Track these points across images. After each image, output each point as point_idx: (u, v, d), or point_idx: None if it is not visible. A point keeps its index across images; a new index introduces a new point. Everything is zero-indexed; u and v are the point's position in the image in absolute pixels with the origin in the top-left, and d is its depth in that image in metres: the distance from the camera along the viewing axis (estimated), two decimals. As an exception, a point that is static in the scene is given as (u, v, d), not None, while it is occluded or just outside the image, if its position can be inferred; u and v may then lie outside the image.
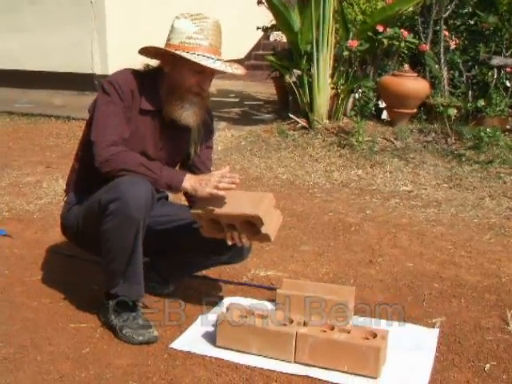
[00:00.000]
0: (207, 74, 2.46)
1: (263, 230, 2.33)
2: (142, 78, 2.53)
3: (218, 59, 2.42)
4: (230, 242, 2.40)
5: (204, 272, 2.98)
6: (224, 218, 2.34)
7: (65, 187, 2.78)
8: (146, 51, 2.52)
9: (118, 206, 2.28)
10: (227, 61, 2.48)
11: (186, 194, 2.73)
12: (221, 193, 2.32)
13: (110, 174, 2.36)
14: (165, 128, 2.56)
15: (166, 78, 2.51)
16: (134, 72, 2.54)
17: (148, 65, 2.59)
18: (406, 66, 6.22)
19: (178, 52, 2.39)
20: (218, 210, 2.34)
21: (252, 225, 2.33)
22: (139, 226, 2.31)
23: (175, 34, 2.44)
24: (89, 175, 2.51)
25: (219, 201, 2.36)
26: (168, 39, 2.47)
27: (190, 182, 2.37)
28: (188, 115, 2.48)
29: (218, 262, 2.79)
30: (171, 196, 2.96)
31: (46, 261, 3.19)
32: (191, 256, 2.73)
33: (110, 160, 2.36)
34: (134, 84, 2.49)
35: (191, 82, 2.45)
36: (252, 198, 2.41)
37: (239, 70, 2.52)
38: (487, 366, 2.30)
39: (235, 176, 2.36)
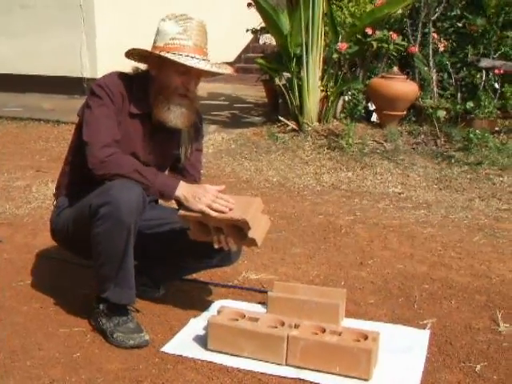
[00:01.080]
0: (193, 74, 2.45)
1: (250, 234, 2.33)
2: (131, 81, 2.52)
3: (203, 59, 2.41)
4: (216, 246, 2.39)
5: (195, 275, 2.97)
6: (211, 221, 2.34)
7: (54, 191, 2.77)
8: (131, 54, 2.51)
9: (109, 210, 2.27)
10: (216, 63, 2.48)
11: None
12: (213, 213, 2.31)
13: (103, 177, 2.34)
14: (154, 131, 2.55)
15: (153, 81, 2.50)
16: (123, 75, 2.53)
17: (137, 68, 2.58)
18: (395, 69, 6.25)
19: (161, 53, 2.39)
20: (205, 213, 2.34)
21: (239, 229, 2.33)
22: (130, 230, 2.30)
23: (160, 35, 2.44)
24: (79, 179, 2.50)
25: None
26: (154, 42, 2.47)
27: (182, 191, 2.36)
28: (175, 117, 2.47)
29: (209, 266, 2.78)
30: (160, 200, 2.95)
31: (36, 265, 3.17)
32: (181, 259, 2.72)
33: (104, 162, 2.34)
34: (123, 87, 2.48)
35: (177, 83, 2.44)
36: (240, 202, 2.39)
37: (225, 69, 2.51)
38: (478, 366, 2.31)
39: (230, 201, 2.34)
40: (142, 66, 2.57)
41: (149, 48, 2.48)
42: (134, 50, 2.49)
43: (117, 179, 2.31)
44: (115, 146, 2.40)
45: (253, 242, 2.36)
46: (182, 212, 2.38)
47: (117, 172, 2.33)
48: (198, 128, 2.70)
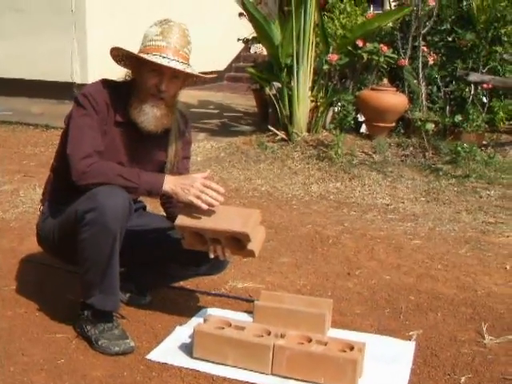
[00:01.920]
0: (166, 75, 2.42)
1: (249, 246, 2.33)
2: (117, 89, 2.51)
3: (178, 60, 2.38)
4: (212, 256, 2.39)
5: (181, 283, 2.96)
6: (210, 232, 2.33)
7: (41, 197, 2.76)
8: (116, 56, 2.51)
9: (95, 216, 2.26)
10: (206, 72, 2.47)
11: (164, 205, 2.72)
12: (203, 206, 2.31)
13: (88, 187, 2.33)
14: (140, 139, 2.53)
15: (136, 86, 2.50)
16: (109, 83, 2.52)
17: (126, 75, 2.57)
18: (385, 81, 6.29)
19: (131, 51, 2.39)
20: (204, 224, 2.32)
21: (237, 240, 2.33)
22: (116, 237, 2.29)
23: (143, 40, 2.46)
24: (64, 185, 2.47)
25: (205, 214, 2.34)
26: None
27: (170, 184, 2.35)
28: (148, 119, 2.45)
29: (196, 274, 2.78)
30: (149, 206, 2.95)
31: (22, 270, 3.15)
32: (168, 267, 2.72)
33: (86, 172, 2.33)
34: (108, 96, 2.46)
35: (150, 83, 2.43)
36: (239, 213, 2.38)
37: (194, 71, 2.45)
38: (463, 378, 2.32)
39: (219, 189, 2.35)
40: (129, 72, 2.57)
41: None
42: (115, 49, 2.47)
43: (103, 186, 2.30)
44: (97, 156, 2.38)
45: (251, 254, 2.37)
46: (179, 222, 2.36)
47: (100, 180, 2.32)
48: (185, 135, 2.69)
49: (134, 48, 2.49)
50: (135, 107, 2.45)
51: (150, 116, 2.45)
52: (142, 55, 2.38)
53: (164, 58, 2.37)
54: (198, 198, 2.31)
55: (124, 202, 2.28)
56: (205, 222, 2.33)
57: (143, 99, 2.45)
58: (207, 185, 2.34)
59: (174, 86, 2.47)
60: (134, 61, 2.46)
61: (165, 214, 2.77)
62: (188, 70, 2.42)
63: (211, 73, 2.55)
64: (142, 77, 2.44)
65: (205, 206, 2.31)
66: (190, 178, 2.39)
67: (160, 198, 2.66)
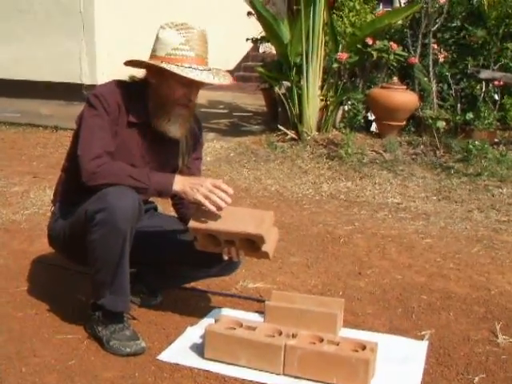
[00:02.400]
0: (194, 86, 2.44)
1: (264, 248, 2.32)
2: (129, 89, 2.50)
3: (204, 69, 2.39)
4: (226, 257, 2.39)
5: (192, 283, 2.95)
6: (224, 234, 2.32)
7: (52, 197, 2.76)
8: (131, 63, 2.50)
9: (105, 217, 2.26)
10: (216, 69, 2.46)
11: (176, 206, 2.71)
12: (210, 207, 2.30)
13: (98, 187, 2.32)
14: (153, 141, 2.53)
15: (152, 89, 2.48)
16: (121, 84, 2.51)
17: (134, 76, 2.56)
18: (395, 79, 6.26)
19: (163, 65, 2.36)
20: (218, 226, 2.31)
21: (251, 242, 2.32)
22: (126, 237, 2.29)
23: (160, 45, 2.41)
24: (75, 186, 2.47)
25: (218, 215, 2.33)
26: (153, 50, 2.44)
27: (179, 184, 2.34)
28: (175, 128, 2.46)
29: (207, 275, 2.77)
30: (160, 207, 2.94)
31: (32, 271, 3.16)
32: (180, 268, 2.71)
33: (95, 173, 2.32)
34: (120, 96, 2.46)
35: (178, 94, 2.42)
36: (253, 215, 2.37)
37: (226, 80, 2.47)
38: (476, 378, 2.29)
39: (228, 190, 2.34)
40: (139, 72, 2.55)
41: (148, 55, 2.46)
42: (135, 60, 2.47)
43: (113, 186, 2.30)
44: (108, 156, 2.38)
45: (265, 255, 2.36)
46: (192, 224, 2.34)
47: (110, 181, 2.31)
48: (197, 136, 2.69)
49: (144, 50, 2.47)
50: (163, 118, 2.44)
51: (177, 125, 2.46)
52: (174, 70, 2.34)
53: (195, 69, 2.35)
54: (207, 197, 2.30)
55: (134, 203, 2.28)
56: (218, 224, 2.32)
57: (170, 109, 2.44)
58: (217, 185, 2.33)
59: (198, 92, 2.50)
60: (156, 69, 2.43)
61: (176, 215, 2.76)
62: (222, 82, 2.43)
63: (221, 70, 2.53)
64: (169, 86, 2.42)
65: (212, 208, 2.30)
66: (201, 179, 2.40)
67: (171, 199, 2.66)
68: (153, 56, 2.43)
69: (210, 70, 2.41)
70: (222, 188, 2.33)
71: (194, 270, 2.69)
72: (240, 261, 2.56)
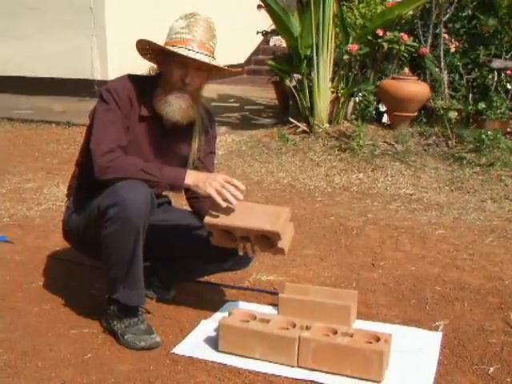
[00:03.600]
0: (190, 67, 2.42)
1: (279, 244, 2.32)
2: (142, 83, 2.51)
3: (203, 53, 2.38)
4: (241, 253, 2.39)
5: (206, 277, 2.96)
6: (240, 230, 2.32)
7: (66, 192, 2.78)
8: (140, 49, 2.51)
9: (117, 211, 2.27)
10: (228, 66, 2.47)
11: (190, 199, 2.71)
12: (221, 202, 2.30)
13: (110, 181, 2.33)
14: (165, 134, 2.54)
15: (161, 79, 2.51)
16: (134, 78, 2.52)
17: (150, 70, 2.58)
18: (406, 70, 6.22)
19: (156, 43, 2.39)
20: (234, 223, 2.31)
21: (267, 238, 2.32)
22: (139, 231, 2.30)
23: (169, 33, 2.46)
24: (89, 181, 2.49)
25: (235, 212, 2.33)
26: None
27: (191, 178, 2.35)
28: (173, 110, 2.45)
29: (221, 269, 2.78)
30: (174, 201, 2.95)
31: (47, 266, 3.18)
32: (193, 262, 2.72)
33: (108, 168, 2.34)
34: (132, 91, 2.47)
35: (176, 76, 2.43)
36: (269, 211, 2.37)
37: (220, 64, 2.46)
38: (491, 369, 2.29)
39: (240, 186, 2.33)
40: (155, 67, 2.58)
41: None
42: (140, 41, 2.47)
43: (125, 181, 2.31)
44: (119, 150, 2.39)
45: (281, 251, 2.37)
46: (207, 220, 2.35)
47: (122, 175, 2.32)
48: (210, 130, 2.69)
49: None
50: (160, 99, 2.45)
51: (174, 107, 2.45)
52: (167, 47, 2.38)
53: (189, 50, 2.37)
54: (219, 193, 2.30)
55: (146, 197, 2.29)
56: (234, 220, 2.32)
57: (167, 91, 2.45)
58: (229, 180, 2.34)
59: (198, 78, 2.47)
60: (160, 54, 2.46)
61: (190, 209, 2.77)
62: (213, 63, 2.42)
63: (232, 67, 2.53)
64: (168, 69, 2.45)
65: (222, 203, 2.30)
66: (214, 174, 2.41)
67: (185, 193, 2.67)
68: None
69: (210, 55, 2.41)
70: (234, 184, 2.33)
71: (207, 264, 2.70)
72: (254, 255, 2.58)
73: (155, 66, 2.63)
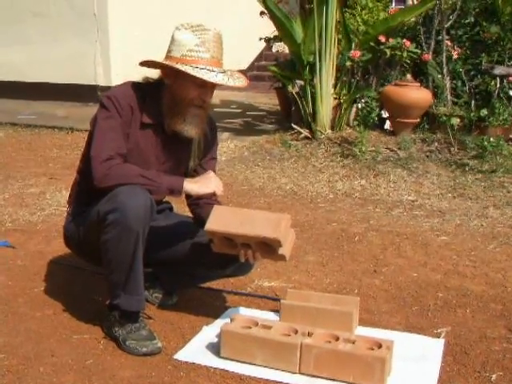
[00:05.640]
0: (209, 86, 2.45)
1: (280, 251, 2.32)
2: (144, 91, 2.51)
3: (220, 71, 2.40)
4: (242, 260, 2.40)
5: (208, 283, 2.96)
6: (241, 238, 2.33)
7: (68, 198, 2.78)
8: (146, 64, 2.51)
9: (117, 217, 2.27)
10: (231, 71, 2.47)
11: (191, 206, 2.71)
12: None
13: (109, 189, 2.34)
14: (167, 141, 2.54)
15: (167, 90, 2.50)
16: (136, 85, 2.52)
17: (148, 77, 2.57)
18: (409, 76, 6.23)
19: (178, 66, 2.37)
20: (235, 230, 2.32)
21: (268, 245, 2.32)
22: (138, 237, 2.30)
23: (176, 46, 2.42)
24: (90, 187, 2.48)
25: (235, 219, 2.34)
26: (169, 51, 2.45)
27: (190, 184, 2.41)
28: (191, 128, 2.48)
29: (222, 275, 2.78)
30: (176, 207, 2.95)
31: (49, 272, 3.18)
32: (195, 268, 2.72)
33: (106, 175, 2.34)
34: (133, 98, 2.47)
35: (193, 95, 2.44)
36: (270, 218, 2.37)
37: (241, 82, 2.48)
38: (493, 376, 2.28)
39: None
40: (152, 73, 2.56)
41: (163, 56, 2.47)
42: (151, 61, 2.48)
43: (124, 186, 2.31)
44: (120, 158, 2.40)
45: (282, 258, 2.37)
46: (209, 227, 2.35)
47: (121, 182, 2.33)
48: (212, 136, 2.69)
49: (158, 51, 2.49)
50: (178, 118, 2.46)
51: (193, 126, 2.48)
52: (189, 71, 2.35)
53: (210, 71, 2.36)
54: (219, 188, 2.45)
55: (145, 202, 2.29)
56: (235, 228, 2.32)
57: (185, 109, 2.45)
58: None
59: (212, 94, 2.51)
60: (172, 70, 2.44)
61: (191, 215, 2.77)
62: (239, 84, 2.45)
63: (236, 72, 2.53)
64: (184, 87, 2.43)
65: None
66: (207, 175, 2.50)
67: (186, 199, 2.67)
68: (168, 57, 2.44)
69: (224, 72, 2.42)
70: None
71: (208, 270, 2.70)
72: (255, 262, 2.58)
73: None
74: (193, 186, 2.41)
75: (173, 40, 2.44)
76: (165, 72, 2.49)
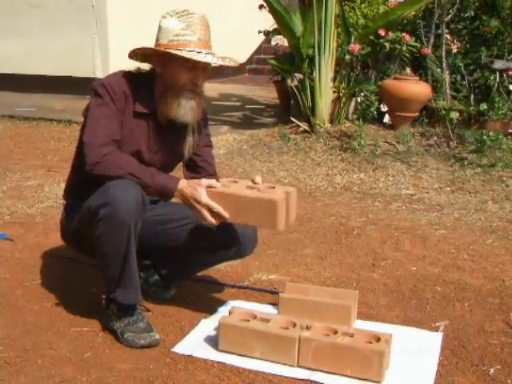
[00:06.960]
0: (199, 69, 2.44)
1: (276, 216, 2.27)
2: (136, 80, 2.50)
3: (208, 53, 2.40)
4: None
5: (206, 276, 2.96)
6: (241, 198, 2.29)
7: (63, 192, 2.77)
8: (135, 54, 2.50)
9: (108, 211, 2.26)
10: (222, 56, 2.47)
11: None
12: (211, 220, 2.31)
13: (99, 177, 2.33)
14: (160, 131, 2.54)
15: (159, 78, 2.50)
16: (128, 74, 2.51)
17: (139, 68, 2.56)
18: (408, 70, 6.21)
19: (167, 50, 2.37)
20: (236, 193, 2.31)
21: (265, 211, 2.27)
22: (130, 230, 2.29)
23: (163, 33, 2.42)
24: (83, 181, 2.47)
25: (238, 185, 2.36)
26: (156, 40, 2.45)
27: (182, 193, 2.34)
28: (185, 113, 2.46)
29: (225, 258, 2.75)
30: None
31: (48, 264, 3.18)
32: (198, 254, 2.67)
33: (99, 162, 2.33)
34: (127, 86, 2.47)
35: (184, 79, 2.43)
36: (273, 191, 2.36)
37: (231, 62, 2.49)
38: (491, 370, 2.29)
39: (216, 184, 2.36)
40: (145, 66, 2.56)
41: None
42: (137, 49, 2.47)
43: (115, 180, 2.30)
44: (113, 145, 2.38)
45: (273, 225, 2.29)
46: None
47: (111, 174, 2.31)
48: (204, 124, 2.69)
49: (151, 42, 2.48)
50: (172, 102, 2.44)
51: (188, 110, 2.46)
52: (176, 52, 2.36)
53: (198, 53, 2.36)
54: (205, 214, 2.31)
55: (136, 195, 2.27)
56: (237, 192, 2.31)
57: (178, 94, 2.44)
58: (212, 184, 2.33)
59: (204, 77, 2.49)
60: (161, 57, 2.44)
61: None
62: (227, 63, 2.44)
63: (227, 57, 2.52)
64: (174, 72, 2.43)
65: (212, 221, 2.31)
66: (199, 191, 2.32)
67: (184, 172, 2.69)
68: (156, 45, 2.44)
69: (213, 54, 2.42)
70: (219, 211, 2.29)
71: (210, 254, 2.67)
72: (255, 239, 2.59)
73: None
74: (182, 200, 2.36)
75: (160, 28, 2.45)
76: (155, 61, 2.49)
